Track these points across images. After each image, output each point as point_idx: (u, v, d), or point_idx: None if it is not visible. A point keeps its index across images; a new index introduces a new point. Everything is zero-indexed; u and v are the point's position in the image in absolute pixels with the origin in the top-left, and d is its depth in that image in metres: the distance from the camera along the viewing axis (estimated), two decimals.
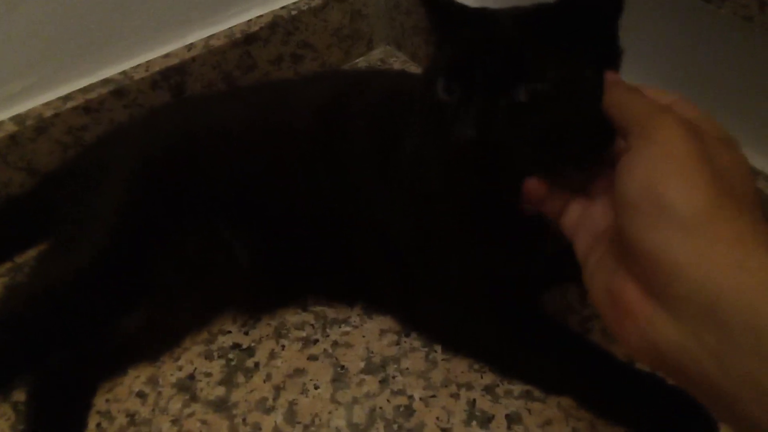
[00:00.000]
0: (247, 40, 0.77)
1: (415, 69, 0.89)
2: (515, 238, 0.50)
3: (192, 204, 0.58)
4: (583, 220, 0.37)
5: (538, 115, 0.38)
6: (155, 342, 0.58)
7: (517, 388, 0.54)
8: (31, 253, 0.66)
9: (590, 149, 0.39)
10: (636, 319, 0.30)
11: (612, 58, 0.42)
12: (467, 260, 0.54)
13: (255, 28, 0.77)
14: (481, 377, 0.55)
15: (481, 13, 0.44)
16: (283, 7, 0.80)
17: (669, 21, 0.58)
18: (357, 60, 0.91)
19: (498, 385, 0.55)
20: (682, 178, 0.29)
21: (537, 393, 0.54)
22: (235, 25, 0.77)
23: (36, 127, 0.67)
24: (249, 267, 0.58)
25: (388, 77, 0.73)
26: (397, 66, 0.90)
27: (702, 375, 0.28)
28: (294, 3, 0.80)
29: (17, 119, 0.66)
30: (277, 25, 0.79)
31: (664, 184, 0.29)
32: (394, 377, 0.56)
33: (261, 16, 0.78)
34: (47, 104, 0.68)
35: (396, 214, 0.55)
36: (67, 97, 0.68)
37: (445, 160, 0.43)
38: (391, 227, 0.56)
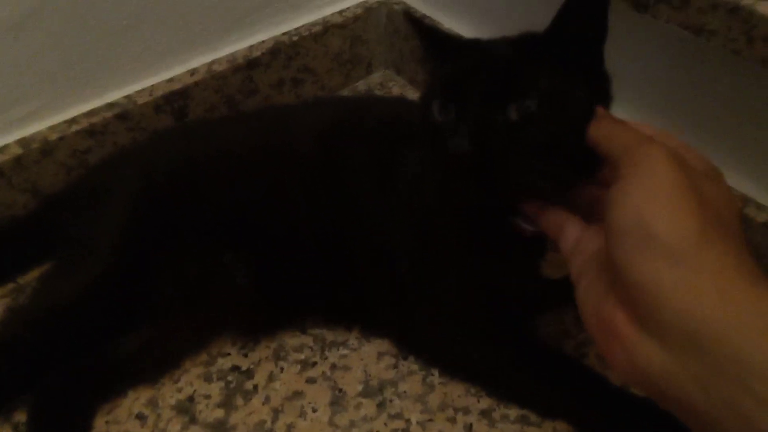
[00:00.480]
0: (249, 65, 0.79)
1: (413, 92, 0.90)
2: (513, 257, 0.51)
3: (193, 226, 0.58)
4: (578, 242, 0.38)
5: (530, 130, 0.39)
6: (155, 363, 0.58)
7: (513, 412, 0.55)
8: (34, 274, 0.67)
9: (582, 165, 0.40)
10: (623, 343, 0.31)
11: (600, 82, 0.44)
12: (464, 281, 0.55)
13: (257, 54, 0.79)
14: (478, 401, 0.56)
15: (474, 41, 0.46)
16: (284, 33, 0.82)
17: (659, 54, 0.60)
18: (356, 84, 0.93)
19: (494, 410, 0.55)
20: (669, 209, 0.31)
21: (533, 417, 0.54)
22: (237, 51, 0.79)
23: (41, 149, 0.68)
24: (249, 289, 0.59)
25: (386, 103, 0.75)
26: (396, 90, 0.92)
27: (686, 400, 0.29)
28: (295, 29, 0.82)
29: (23, 142, 0.67)
30: (279, 50, 0.80)
31: (652, 213, 0.31)
32: (391, 401, 0.56)
33: (263, 41, 0.80)
34: (52, 127, 0.69)
35: (394, 236, 0.56)
36: (72, 121, 0.70)
37: (443, 178, 0.44)
38: (389, 249, 0.57)
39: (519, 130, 0.39)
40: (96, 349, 0.56)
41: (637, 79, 0.61)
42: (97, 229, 0.59)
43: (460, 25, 0.81)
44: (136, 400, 0.57)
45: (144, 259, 0.57)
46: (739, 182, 0.60)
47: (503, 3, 0.74)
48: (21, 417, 0.55)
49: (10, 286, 0.66)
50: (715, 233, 0.30)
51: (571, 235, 0.39)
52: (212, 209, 0.59)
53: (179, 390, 0.58)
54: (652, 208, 0.31)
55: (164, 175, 0.60)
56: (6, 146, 0.67)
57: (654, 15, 0.53)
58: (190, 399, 0.57)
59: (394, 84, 0.93)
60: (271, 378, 0.58)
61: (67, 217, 0.62)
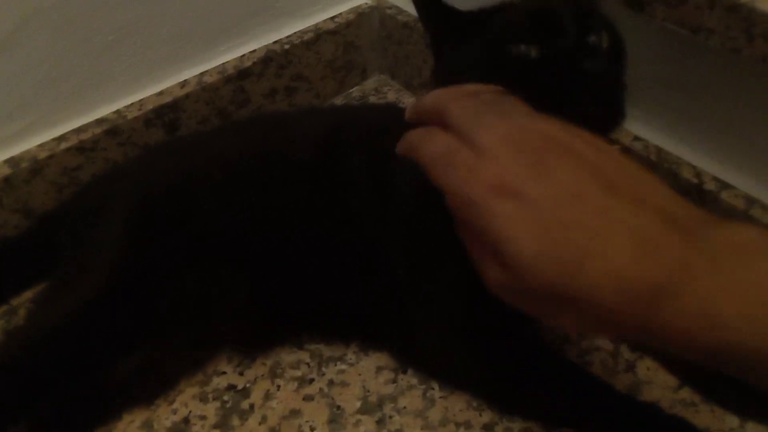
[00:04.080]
0: (240, 75, 0.78)
1: (409, 97, 0.89)
2: None
3: (191, 241, 0.57)
4: None
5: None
6: (151, 384, 0.57)
7: (517, 426, 0.53)
8: (27, 295, 0.66)
9: None
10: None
11: None
12: (466, 288, 0.53)
13: (248, 63, 0.78)
14: (480, 415, 0.54)
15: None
16: (275, 42, 0.80)
17: (657, 53, 0.59)
18: (351, 90, 0.91)
19: (497, 423, 0.54)
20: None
21: (536, 430, 0.53)
22: (227, 61, 0.78)
23: (31, 168, 0.67)
24: (248, 302, 0.58)
25: (380, 110, 0.74)
26: (391, 94, 0.90)
27: None
28: (287, 37, 0.81)
29: (11, 162, 0.66)
30: (270, 59, 0.79)
31: None
32: (391, 417, 0.55)
33: (254, 51, 0.79)
34: (41, 146, 0.68)
35: (391, 245, 0.55)
36: (61, 138, 0.69)
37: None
38: (386, 259, 0.55)
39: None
40: (95, 371, 0.55)
41: (635, 80, 0.60)
42: (93, 248, 0.58)
43: None
44: (131, 422, 0.56)
45: (142, 277, 0.56)
46: (743, 182, 0.58)
47: None
48: None
49: (4, 308, 0.66)
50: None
51: None
52: (209, 223, 0.58)
53: (174, 411, 0.56)
54: None
55: (159, 191, 0.59)
56: None
57: (650, 14, 0.52)
58: (186, 421, 0.56)
59: (389, 89, 0.91)
60: (267, 396, 0.57)
61: (61, 237, 0.61)
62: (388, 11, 0.86)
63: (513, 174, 0.31)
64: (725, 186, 0.58)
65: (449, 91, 0.38)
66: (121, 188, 0.62)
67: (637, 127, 0.64)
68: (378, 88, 0.92)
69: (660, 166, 0.61)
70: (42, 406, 0.53)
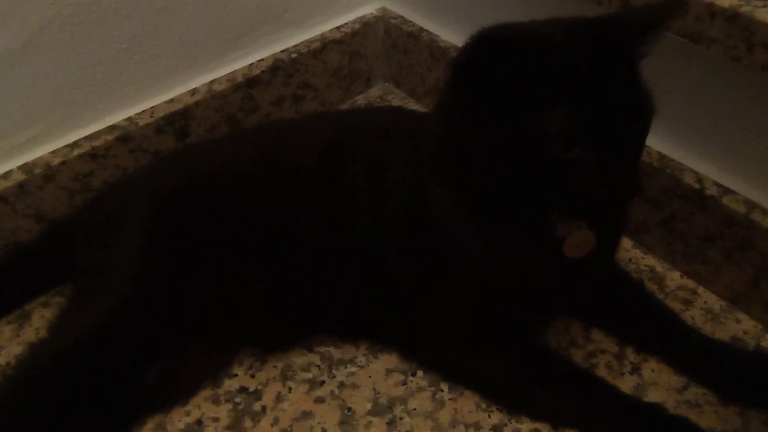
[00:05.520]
0: (248, 83, 0.79)
1: (413, 104, 0.90)
2: (534, 245, 0.50)
3: (207, 245, 0.58)
4: None
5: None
6: (172, 392, 0.58)
7: (525, 426, 0.54)
8: (40, 299, 0.67)
9: None
10: None
11: None
12: (473, 289, 0.54)
13: (256, 72, 0.79)
14: (489, 416, 0.55)
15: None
16: (283, 51, 0.82)
17: (658, 61, 0.60)
18: (356, 97, 0.93)
19: (506, 424, 0.55)
20: None
21: (544, 431, 0.54)
22: (236, 69, 0.79)
23: (44, 174, 0.68)
24: (267, 301, 0.58)
25: (383, 114, 0.74)
26: (395, 102, 0.92)
27: None
28: (294, 46, 0.83)
29: (25, 168, 0.67)
30: (278, 68, 0.81)
31: None
32: (401, 418, 0.56)
33: (262, 59, 0.80)
34: (55, 152, 0.69)
35: (395, 247, 0.56)
36: (74, 145, 0.70)
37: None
38: (391, 261, 0.56)
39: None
40: (121, 381, 0.55)
41: None
42: (112, 257, 0.59)
43: (460, 40, 0.81)
44: (144, 424, 0.57)
45: (162, 284, 0.57)
46: (743, 187, 0.59)
47: (509, 18, 0.74)
48: None
49: (17, 312, 0.66)
50: None
51: None
52: (223, 227, 0.59)
53: (187, 413, 0.57)
54: None
55: (173, 198, 0.60)
56: (9, 172, 0.67)
57: None
58: (198, 422, 0.56)
59: (393, 96, 0.93)
60: (279, 398, 0.58)
61: (77, 246, 0.62)
62: (393, 21, 0.87)
63: None
64: (726, 191, 0.60)
65: None
66: (135, 197, 0.63)
67: None
68: (382, 96, 0.93)
69: (662, 171, 0.62)
70: (71, 421, 0.53)
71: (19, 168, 0.68)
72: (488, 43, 0.40)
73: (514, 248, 0.50)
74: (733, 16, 0.49)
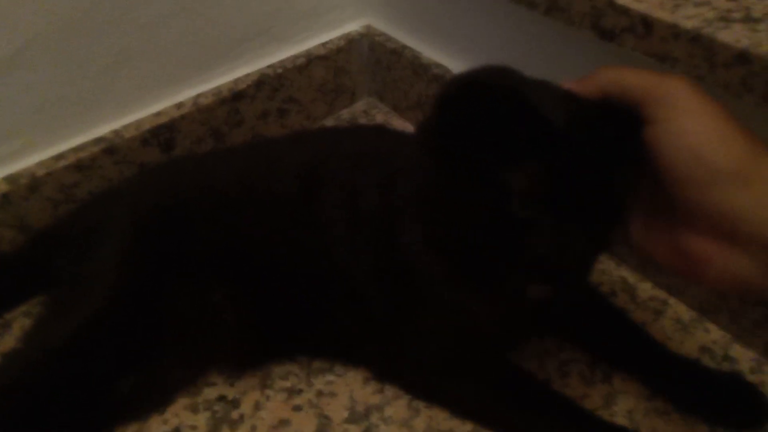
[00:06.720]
0: (234, 97, 0.80)
1: (396, 119, 0.92)
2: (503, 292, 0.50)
3: (184, 265, 0.59)
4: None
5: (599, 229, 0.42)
6: (146, 403, 0.58)
7: None
8: (21, 309, 0.67)
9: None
10: (710, 261, 0.36)
11: None
12: (444, 319, 0.54)
13: (242, 86, 0.81)
14: (463, 423, 0.56)
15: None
16: (269, 66, 0.84)
17: None
18: (341, 112, 0.95)
19: None
20: (719, 139, 0.34)
21: None
22: (222, 84, 0.81)
23: (29, 185, 0.69)
24: (237, 327, 0.59)
25: (365, 135, 0.74)
26: (380, 116, 0.94)
27: None
28: (280, 61, 0.84)
29: (10, 179, 0.68)
30: (264, 82, 0.82)
31: (707, 149, 0.34)
32: (377, 426, 0.56)
33: (248, 74, 0.82)
34: (40, 163, 0.70)
35: (368, 275, 0.56)
36: (59, 156, 0.71)
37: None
38: (365, 289, 0.56)
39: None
40: (94, 390, 0.56)
41: None
42: (89, 269, 0.59)
43: (441, 57, 0.83)
44: None
45: (137, 299, 0.57)
46: None
47: (487, 36, 0.76)
48: None
49: None
50: (759, 146, 0.34)
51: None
52: (201, 247, 0.59)
53: (165, 422, 0.58)
54: (705, 144, 0.34)
55: (154, 214, 0.61)
56: None
57: (619, 43, 0.55)
58: (176, 430, 0.57)
59: (377, 111, 0.95)
60: (257, 407, 0.59)
61: (57, 256, 0.63)
62: (377, 38, 0.89)
63: None
64: None
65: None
66: (116, 210, 0.64)
67: None
68: (367, 111, 0.95)
69: None
70: (42, 426, 0.53)
71: (4, 179, 0.68)
72: (477, 83, 0.39)
73: (481, 290, 0.49)
74: (695, 38, 0.51)
